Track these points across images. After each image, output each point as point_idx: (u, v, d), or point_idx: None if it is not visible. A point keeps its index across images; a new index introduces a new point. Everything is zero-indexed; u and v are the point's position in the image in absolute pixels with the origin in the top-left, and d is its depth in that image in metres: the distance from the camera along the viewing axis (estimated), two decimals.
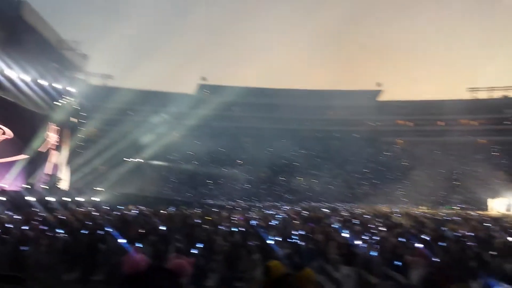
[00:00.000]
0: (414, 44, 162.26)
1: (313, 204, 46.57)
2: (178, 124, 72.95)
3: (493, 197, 44.99)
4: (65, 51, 33.97)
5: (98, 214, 18.94)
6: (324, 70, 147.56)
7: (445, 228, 17.72)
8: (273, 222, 19.02)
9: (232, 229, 14.67)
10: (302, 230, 15.28)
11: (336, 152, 71.95)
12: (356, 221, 20.73)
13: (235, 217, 20.70)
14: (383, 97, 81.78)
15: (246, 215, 23.78)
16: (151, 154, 62.65)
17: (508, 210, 39.74)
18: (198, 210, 26.72)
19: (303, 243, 12.38)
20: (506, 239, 13.79)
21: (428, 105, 77.81)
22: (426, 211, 37.74)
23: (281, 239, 12.64)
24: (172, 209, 26.90)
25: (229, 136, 74.93)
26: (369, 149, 70.12)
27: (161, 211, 22.83)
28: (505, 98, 77.70)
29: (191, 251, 10.68)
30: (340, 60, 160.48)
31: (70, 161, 35.66)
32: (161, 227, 14.13)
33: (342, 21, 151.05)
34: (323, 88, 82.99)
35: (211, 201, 44.14)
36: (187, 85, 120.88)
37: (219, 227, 15.43)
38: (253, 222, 18.75)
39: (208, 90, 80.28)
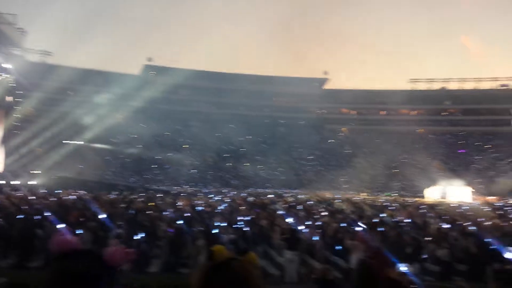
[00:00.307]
0: (360, 34, 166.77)
1: (259, 190, 47.08)
2: (121, 105, 70.64)
3: (429, 185, 47.55)
4: (1, 25, 31.79)
5: (35, 198, 18.18)
6: (272, 56, 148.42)
7: (384, 214, 18.59)
8: (219, 208, 19.09)
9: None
10: (247, 215, 15.46)
11: (283, 138, 72.98)
12: (300, 207, 21.25)
13: (180, 203, 20.56)
14: (329, 85, 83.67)
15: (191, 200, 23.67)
16: (93, 137, 60.39)
17: (443, 197, 42.16)
18: (141, 196, 26.23)
19: (248, 229, 12.55)
20: (440, 225, 14.70)
21: (371, 95, 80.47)
22: (367, 197, 39.29)
23: (226, 225, 12.74)
24: (114, 194, 26.26)
25: (176, 120, 73.81)
26: (315, 136, 71.69)
27: (102, 196, 22.23)
28: (444, 90, 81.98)
29: (134, 237, 10.53)
30: (288, 47, 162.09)
31: (5, 142, 33.69)
32: (101, 213, 13.78)
33: (291, 9, 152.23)
34: (271, 74, 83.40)
35: (155, 187, 43.45)
36: (132, 66, 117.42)
37: (164, 213, 15.28)
38: (199, 208, 18.72)
39: (154, 71, 78.36)
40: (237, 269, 1.30)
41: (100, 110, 67.18)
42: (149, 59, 79.14)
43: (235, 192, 38.35)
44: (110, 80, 70.86)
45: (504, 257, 8.77)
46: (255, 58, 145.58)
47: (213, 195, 31.95)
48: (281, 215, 16.43)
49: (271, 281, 9.61)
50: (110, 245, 9.98)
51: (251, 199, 27.98)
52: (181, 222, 12.86)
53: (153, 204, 19.25)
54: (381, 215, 17.98)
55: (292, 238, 11.30)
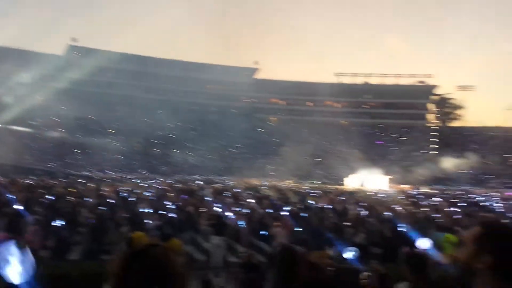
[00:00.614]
0: (292, 27, 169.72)
1: (187, 176, 46.65)
2: (43, 86, 66.24)
3: (350, 173, 49.88)
4: None
5: None
6: (204, 43, 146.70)
7: (309, 201, 19.21)
8: (145, 194, 18.66)
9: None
10: (175, 202, 15.26)
11: (212, 126, 72.70)
12: (228, 194, 21.35)
13: (104, 189, 19.81)
14: (260, 75, 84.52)
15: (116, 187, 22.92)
16: (10, 118, 56.20)
17: (362, 185, 44.44)
18: (62, 181, 24.93)
19: (175, 215, 12.39)
20: (358, 211, 15.46)
21: (299, 86, 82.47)
22: (292, 184, 40.38)
23: (152, 211, 12.48)
24: (32, 179, 24.74)
25: (101, 103, 70.56)
26: (244, 125, 72.16)
27: (19, 181, 20.86)
28: (366, 84, 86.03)
29: (53, 223, 9.98)
30: (221, 35, 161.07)
31: None
32: (17, 198, 12.90)
33: None
34: (203, 61, 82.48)
35: (77, 172, 41.47)
36: (55, 45, 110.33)
37: (85, 199, 14.66)
38: (124, 194, 18.17)
39: (79, 52, 74.30)
40: (157, 255, 1.25)
41: (20, 90, 62.59)
42: (74, 39, 74.96)
43: (163, 179, 37.69)
44: (30, 59, 66.15)
45: (414, 242, 9.42)
46: (187, 44, 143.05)
47: (139, 181, 31.18)
48: (209, 201, 16.41)
49: (197, 266, 9.57)
50: (27, 231, 9.38)
51: (179, 185, 27.66)
52: (104, 208, 12.42)
53: (74, 190, 18.37)
54: (305, 201, 18.54)
55: (218, 224, 11.31)
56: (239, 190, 25.31)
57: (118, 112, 71.26)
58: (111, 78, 74.80)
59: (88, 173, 41.14)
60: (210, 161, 60.80)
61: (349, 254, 3.19)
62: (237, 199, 18.12)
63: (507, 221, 12.76)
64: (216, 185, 30.28)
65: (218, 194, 20.41)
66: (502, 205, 22.71)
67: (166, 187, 25.06)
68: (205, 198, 17.85)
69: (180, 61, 79.81)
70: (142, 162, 60.08)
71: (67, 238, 9.88)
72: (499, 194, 36.42)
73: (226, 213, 12.60)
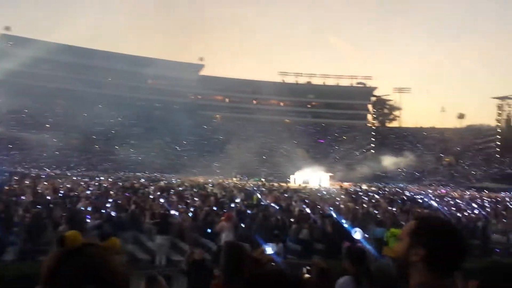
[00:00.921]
0: (239, 25, 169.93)
1: (130, 174, 45.46)
2: None
3: (294, 171, 50.75)
4: None
5: None
6: (149, 37, 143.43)
7: (254, 198, 19.38)
8: (85, 192, 18.00)
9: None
10: (117, 200, 14.86)
11: (156, 122, 71.26)
12: (173, 192, 21.08)
13: (41, 187, 18.88)
14: (205, 72, 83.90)
15: (54, 184, 21.91)
16: None
17: (305, 183, 45.32)
18: None
19: (116, 213, 12.07)
20: (302, 208, 15.82)
21: (245, 84, 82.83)
22: (237, 182, 40.50)
23: (92, 210, 12.07)
24: None
25: (37, 96, 66.86)
26: (189, 122, 71.33)
27: None
28: (309, 84, 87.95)
29: None
30: (167, 30, 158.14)
31: None
32: None
33: None
34: (148, 55, 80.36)
35: (11, 168, 39.17)
36: None
37: (21, 197, 13.92)
38: (62, 192, 17.44)
39: (12, 41, 70.08)
40: (91, 255, 1.21)
41: None
42: (7, 28, 70.63)
43: (104, 177, 36.48)
44: None
45: (354, 236, 9.78)
46: (130, 38, 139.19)
47: (78, 179, 29.99)
48: (153, 199, 16.12)
49: (141, 266, 9.37)
50: None
51: (121, 183, 26.92)
52: (40, 207, 11.86)
53: (9, 187, 17.37)
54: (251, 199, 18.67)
55: (163, 223, 11.15)
56: (184, 188, 25.06)
57: (56, 106, 68.02)
58: (48, 70, 71.04)
59: (23, 170, 39.00)
60: (154, 158, 59.59)
61: (269, 249, 3.27)
62: (182, 197, 17.93)
63: (441, 215, 13.58)
64: (161, 183, 29.75)
65: (163, 192, 20.08)
66: (436, 201, 24.05)
67: (107, 185, 24.30)
68: (149, 196, 17.51)
69: (123, 54, 77.34)
70: (81, 159, 57.78)
71: (1, 239, 9.36)
72: (433, 191, 38.56)
73: (170, 212, 12.43)
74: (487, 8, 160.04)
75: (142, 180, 33.28)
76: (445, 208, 19.64)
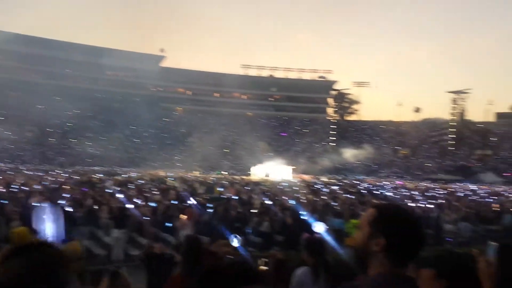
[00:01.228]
0: (201, 17, 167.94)
1: (87, 168, 44.23)
2: None
3: (255, 164, 50.95)
4: None
5: None
6: (108, 28, 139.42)
7: (216, 192, 19.27)
8: (38, 187, 17.36)
9: None
10: (72, 194, 14.40)
11: (116, 114, 69.57)
12: (132, 185, 20.68)
13: None
14: (166, 63, 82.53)
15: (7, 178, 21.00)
16: None
17: (266, 175, 45.60)
18: None
19: (72, 209, 11.68)
20: (263, 200, 15.88)
21: (207, 76, 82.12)
22: (199, 175, 40.24)
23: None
24: None
25: None
26: (149, 114, 70.10)
27: None
28: (271, 77, 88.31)
29: None
30: (126, 20, 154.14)
31: None
32: None
33: None
34: (107, 46, 77.97)
35: None
36: None
37: None
38: (15, 187, 16.75)
39: None
40: (41, 252, 1.13)
41: None
42: None
43: (60, 170, 35.33)
44: None
45: (314, 228, 9.91)
46: (88, 28, 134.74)
47: (32, 173, 28.89)
48: (111, 193, 15.73)
49: (97, 261, 9.13)
50: None
51: (77, 177, 26.16)
52: None
53: None
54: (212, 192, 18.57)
55: (120, 217, 10.89)
56: (144, 182, 24.64)
57: (9, 97, 65.09)
58: (2, 60, 67.72)
59: None
60: (113, 151, 58.21)
61: (234, 242, 3.30)
62: (141, 191, 17.60)
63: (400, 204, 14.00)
64: (119, 177, 29.10)
65: (121, 186, 19.64)
66: (392, 193, 24.76)
67: (62, 179, 23.54)
68: (106, 191, 17.07)
69: (81, 44, 74.67)
70: (36, 153, 55.67)
71: None
72: (390, 183, 39.72)
73: (128, 205, 12.16)
74: (445, 4, 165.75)
75: (100, 174, 32.44)
76: (401, 199, 20.26)
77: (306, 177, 45.81)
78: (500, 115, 79.41)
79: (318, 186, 28.28)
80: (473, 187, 37.72)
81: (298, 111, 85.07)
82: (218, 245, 3.43)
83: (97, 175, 30.71)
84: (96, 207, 12.18)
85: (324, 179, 42.71)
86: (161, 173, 38.92)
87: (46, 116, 61.29)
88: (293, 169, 50.46)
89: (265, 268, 3.24)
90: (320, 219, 12.09)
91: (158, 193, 17.20)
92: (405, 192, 26.79)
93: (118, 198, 13.85)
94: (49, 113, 62.13)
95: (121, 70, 76.85)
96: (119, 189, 17.65)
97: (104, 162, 51.83)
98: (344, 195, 20.37)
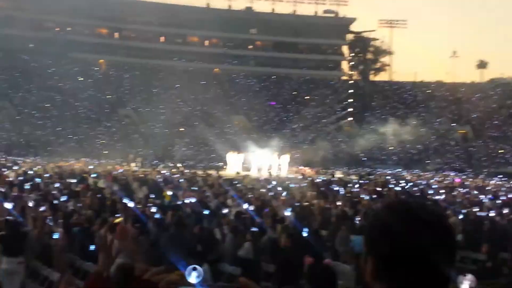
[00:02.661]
0: None
1: None
2: None
3: (229, 151, 50.85)
4: None
5: None
6: None
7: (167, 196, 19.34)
8: None
9: None
10: None
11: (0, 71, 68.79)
12: (28, 186, 20.58)
13: None
14: None
15: None
16: None
17: (247, 169, 45.59)
18: None
19: None
20: (242, 209, 16.03)
21: (148, 9, 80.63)
22: (139, 169, 40.29)
23: None
24: None
25: None
26: (52, 71, 69.37)
27: None
28: (250, 11, 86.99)
29: None
30: None
31: None
32: None
33: None
34: None
35: None
36: None
37: None
38: None
39: None
40: None
41: None
42: None
43: None
44: None
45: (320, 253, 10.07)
46: None
47: None
48: None
49: None
50: None
51: None
52: None
53: None
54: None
55: (13, 237, 10.86)
56: (47, 180, 24.55)
57: None
58: None
59: None
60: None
61: (192, 276, 3.36)
62: (44, 195, 17.55)
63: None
64: (7, 172, 28.92)
65: (11, 187, 19.56)
66: (444, 195, 25.06)
67: None
68: None
69: None
70: None
71: None
72: (441, 179, 40.26)
73: (22, 219, 12.13)
74: None
75: None
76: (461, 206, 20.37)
77: (310, 171, 46.11)
78: None
79: (330, 186, 28.51)
80: None
81: (295, 66, 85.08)
82: (155, 272, 3.54)
83: None
84: None
85: (339, 174, 43.10)
86: (77, 165, 38.77)
87: None
88: (289, 158, 50.67)
89: None
90: (333, 236, 12.23)
91: (71, 198, 17.18)
92: (466, 194, 27.14)
93: (5, 207, 13.78)
94: None
95: None
96: (7, 191, 17.58)
97: None
98: (368, 199, 20.61)
